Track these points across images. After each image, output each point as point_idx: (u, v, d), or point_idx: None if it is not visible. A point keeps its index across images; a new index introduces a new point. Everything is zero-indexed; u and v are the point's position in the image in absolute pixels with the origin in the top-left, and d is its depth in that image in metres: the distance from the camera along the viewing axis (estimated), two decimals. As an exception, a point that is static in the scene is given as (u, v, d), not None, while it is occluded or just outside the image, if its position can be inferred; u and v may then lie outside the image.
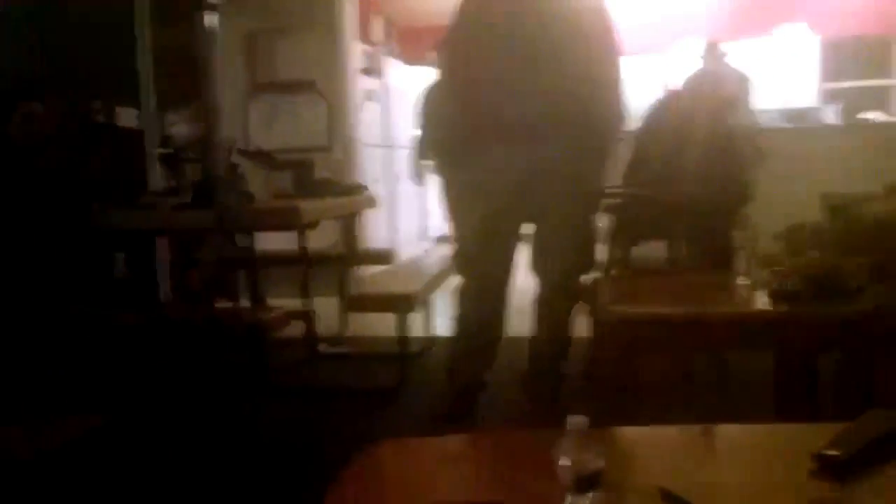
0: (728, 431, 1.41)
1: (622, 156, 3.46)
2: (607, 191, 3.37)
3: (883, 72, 7.74)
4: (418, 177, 5.85)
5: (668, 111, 3.93)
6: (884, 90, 7.71)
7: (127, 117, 3.91)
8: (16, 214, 3.16)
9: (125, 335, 3.29)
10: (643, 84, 4.20)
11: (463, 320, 3.00)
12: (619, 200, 3.59)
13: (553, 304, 2.97)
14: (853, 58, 7.62)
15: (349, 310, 4.14)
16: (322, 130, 5.82)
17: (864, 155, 5.26)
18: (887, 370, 2.02)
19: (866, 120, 6.64)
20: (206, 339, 3.25)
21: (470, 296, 2.98)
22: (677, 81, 4.27)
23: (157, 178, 4.01)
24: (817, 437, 1.15)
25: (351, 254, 4.45)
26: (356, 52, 6.25)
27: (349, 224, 4.37)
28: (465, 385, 2.98)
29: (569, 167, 2.77)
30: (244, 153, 4.15)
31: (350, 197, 4.30)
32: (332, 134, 5.84)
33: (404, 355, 3.66)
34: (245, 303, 4.20)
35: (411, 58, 7.95)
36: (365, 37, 7.04)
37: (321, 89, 5.83)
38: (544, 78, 2.70)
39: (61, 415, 2.91)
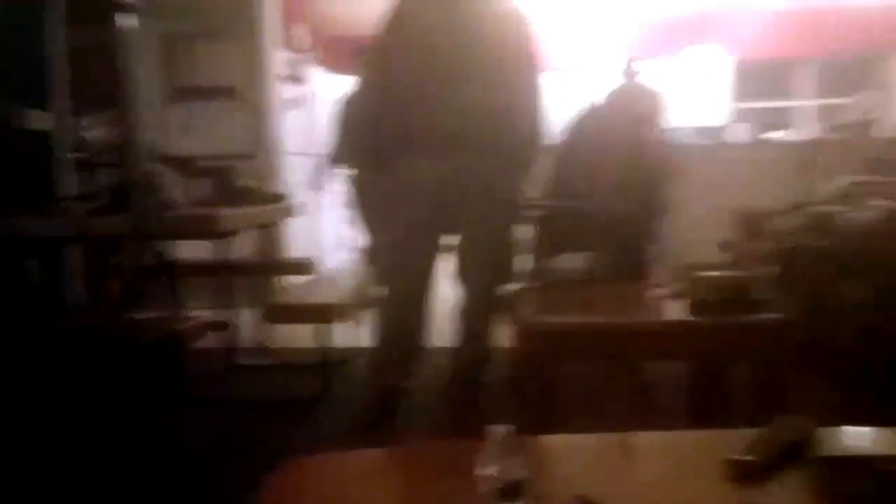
0: (646, 438, 1.44)
1: (543, 169, 3.51)
2: (529, 203, 3.42)
3: (792, 92, 8.06)
4: (320, 185, 5.81)
5: (587, 126, 4.02)
6: (793, 110, 8.04)
7: (40, 120, 3.77)
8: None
9: (35, 344, 3.16)
10: (564, 99, 4.28)
11: (382, 330, 2.99)
12: (540, 212, 3.64)
13: (474, 314, 2.99)
14: (763, 78, 7.93)
15: (268, 320, 4.08)
16: (244, 137, 5.72)
17: (772, 172, 5.48)
18: (796, 378, 2.11)
19: (774, 139, 6.92)
20: (121, 348, 3.15)
21: (389, 306, 2.98)
22: (596, 97, 4.36)
23: (71, 182, 3.87)
24: (732, 443, 1.18)
25: (271, 263, 4.39)
26: (279, 59, 6.18)
27: (270, 233, 4.31)
28: (385, 395, 2.97)
29: (487, 179, 2.81)
30: (162, 159, 4.05)
31: (271, 205, 4.24)
32: (254, 141, 5.75)
33: (325, 365, 3.62)
34: (163, 312, 4.09)
35: (336, 66, 7.90)
36: (289, 44, 6.97)
37: (243, 95, 5.74)
38: (462, 91, 2.74)
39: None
